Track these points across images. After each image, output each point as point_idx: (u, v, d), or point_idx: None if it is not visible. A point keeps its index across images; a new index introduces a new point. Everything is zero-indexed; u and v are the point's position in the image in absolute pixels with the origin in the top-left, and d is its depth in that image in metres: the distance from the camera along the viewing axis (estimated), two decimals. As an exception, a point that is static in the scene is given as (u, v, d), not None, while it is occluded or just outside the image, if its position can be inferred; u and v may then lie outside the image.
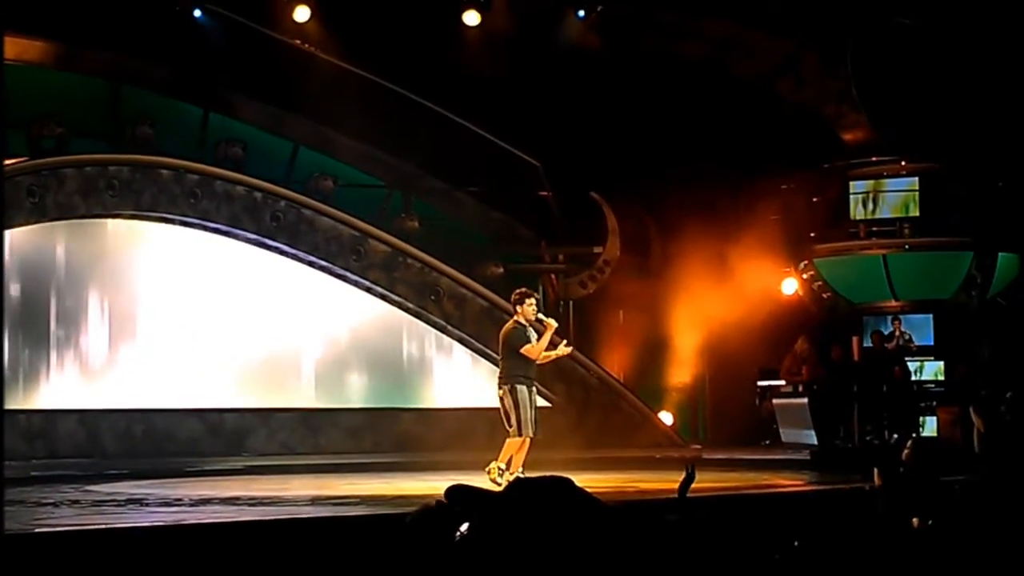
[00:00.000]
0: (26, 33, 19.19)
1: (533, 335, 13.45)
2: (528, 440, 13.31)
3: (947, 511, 7.69)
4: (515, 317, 13.51)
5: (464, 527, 5.16)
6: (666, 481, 14.60)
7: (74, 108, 19.05)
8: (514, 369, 13.40)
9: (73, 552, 9.03)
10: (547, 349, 13.46)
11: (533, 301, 13.55)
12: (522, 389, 13.32)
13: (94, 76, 19.88)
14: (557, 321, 13.67)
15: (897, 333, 20.65)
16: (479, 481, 12.77)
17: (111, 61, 19.90)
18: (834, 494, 13.10)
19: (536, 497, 4.04)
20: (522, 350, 13.33)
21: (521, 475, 12.90)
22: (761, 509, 12.32)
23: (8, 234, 17.29)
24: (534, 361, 13.42)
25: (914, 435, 13.94)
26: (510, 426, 13.30)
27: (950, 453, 10.54)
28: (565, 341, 13.97)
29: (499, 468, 13.14)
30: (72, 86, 19.63)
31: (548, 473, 5.06)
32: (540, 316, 13.52)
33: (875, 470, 9.84)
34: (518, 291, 13.77)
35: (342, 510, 11.83)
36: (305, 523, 10.71)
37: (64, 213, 18.41)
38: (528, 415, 13.30)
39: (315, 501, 12.89)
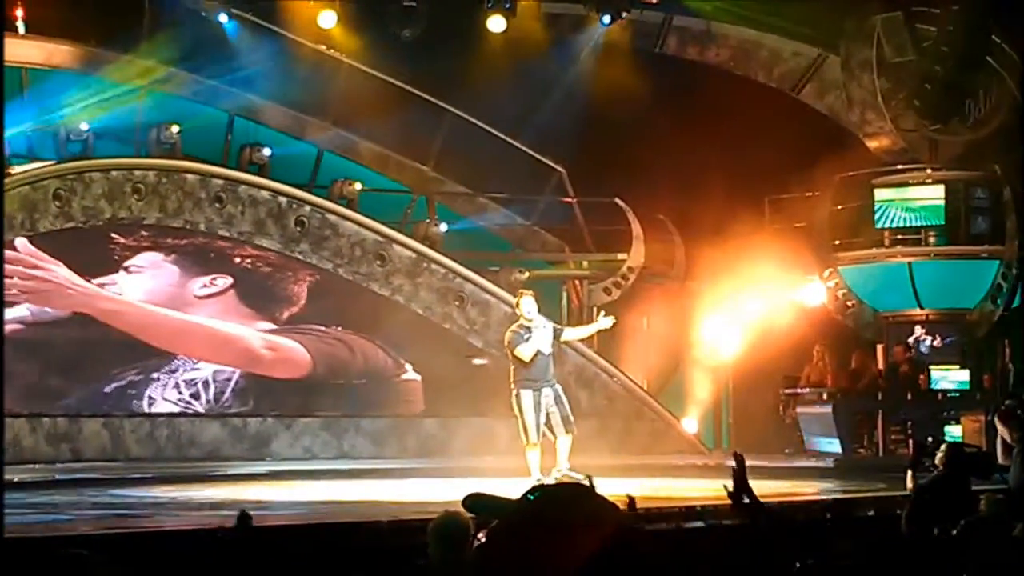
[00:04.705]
0: (54, 37, 19.28)
1: (539, 335, 13.16)
2: (536, 445, 13.09)
3: (972, 521, 7.66)
4: (519, 321, 13.35)
5: (482, 534, 5.15)
6: (689, 488, 14.56)
7: (100, 112, 19.11)
8: (517, 373, 13.21)
9: (97, 555, 9.04)
10: (583, 326, 14.12)
11: (528, 300, 13.29)
12: (526, 394, 13.08)
13: (120, 80, 19.95)
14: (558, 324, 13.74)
15: (916, 340, 20.58)
16: (500, 487, 12.77)
17: (137, 65, 19.96)
18: (859, 502, 13.05)
19: (555, 503, 4.03)
20: (515, 351, 13.11)
21: (541, 481, 12.84)
22: (785, 517, 12.27)
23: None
24: (542, 364, 13.11)
25: (946, 440, 13.86)
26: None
27: (982, 458, 10.49)
28: (603, 313, 13.85)
29: (557, 471, 13.05)
30: (99, 90, 19.69)
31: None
32: (541, 316, 13.30)
33: (908, 473, 9.81)
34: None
35: (362, 515, 11.82)
36: (325, 528, 10.69)
37: (90, 217, 18.50)
38: (533, 420, 13.05)
39: (336, 506, 12.89)
